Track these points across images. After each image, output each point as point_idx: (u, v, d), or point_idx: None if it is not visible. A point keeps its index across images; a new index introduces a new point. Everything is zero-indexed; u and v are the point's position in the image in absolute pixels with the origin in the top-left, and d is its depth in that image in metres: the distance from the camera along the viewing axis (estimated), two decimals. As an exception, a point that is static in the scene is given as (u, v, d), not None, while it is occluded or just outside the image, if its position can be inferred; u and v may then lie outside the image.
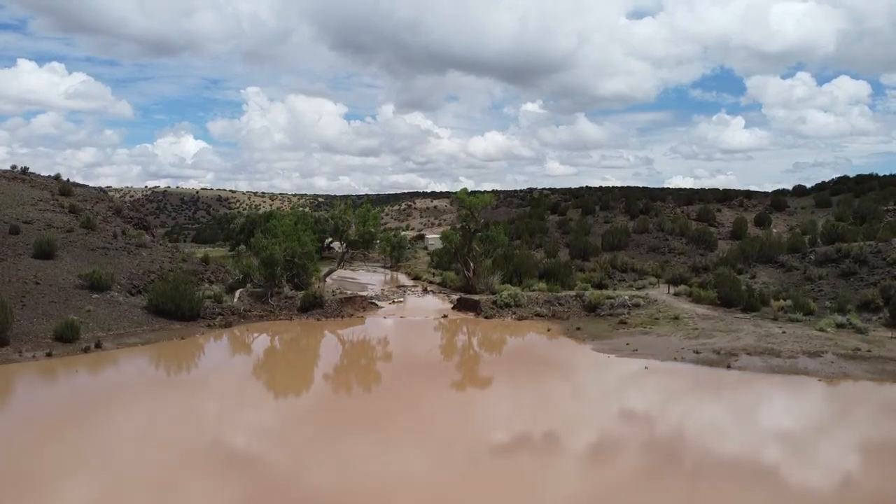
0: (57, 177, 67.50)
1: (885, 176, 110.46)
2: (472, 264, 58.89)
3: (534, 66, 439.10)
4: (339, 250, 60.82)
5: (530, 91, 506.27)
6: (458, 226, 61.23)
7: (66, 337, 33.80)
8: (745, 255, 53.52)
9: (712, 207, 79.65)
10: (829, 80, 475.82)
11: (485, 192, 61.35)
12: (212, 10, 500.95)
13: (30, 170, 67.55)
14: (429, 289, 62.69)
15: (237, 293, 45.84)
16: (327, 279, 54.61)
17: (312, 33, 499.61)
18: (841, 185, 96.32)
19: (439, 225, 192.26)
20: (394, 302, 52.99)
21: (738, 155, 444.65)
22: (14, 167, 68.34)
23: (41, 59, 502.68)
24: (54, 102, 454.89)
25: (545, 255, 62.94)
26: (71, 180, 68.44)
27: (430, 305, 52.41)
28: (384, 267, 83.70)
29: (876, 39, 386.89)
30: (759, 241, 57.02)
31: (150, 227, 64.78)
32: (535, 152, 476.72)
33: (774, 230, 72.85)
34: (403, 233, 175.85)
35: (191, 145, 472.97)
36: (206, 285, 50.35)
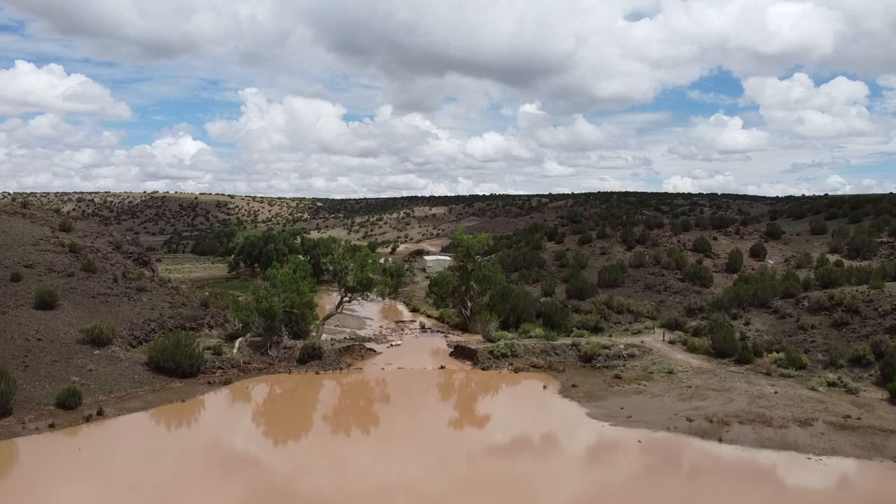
0: (57, 210, 68.06)
1: (880, 196, 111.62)
2: (469, 304, 59.48)
3: (532, 67, 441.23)
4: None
5: (528, 92, 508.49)
6: (457, 265, 61.79)
7: (68, 404, 34.26)
8: (739, 299, 54.07)
9: (708, 236, 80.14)
10: (826, 81, 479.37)
11: (483, 234, 62.33)
12: (210, 12, 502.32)
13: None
14: (427, 325, 63.17)
15: (237, 343, 46.32)
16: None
17: (310, 35, 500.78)
18: (836, 209, 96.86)
19: (438, 235, 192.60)
20: (392, 345, 53.46)
21: (736, 155, 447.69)
22: (14, 199, 69.04)
23: (39, 60, 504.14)
24: (52, 104, 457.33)
25: (542, 292, 63.42)
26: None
27: (428, 349, 52.75)
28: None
29: (873, 41, 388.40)
30: (753, 282, 57.56)
31: (151, 261, 65.19)
32: (534, 153, 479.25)
33: (770, 262, 73.45)
34: (403, 245, 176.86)
35: (189, 146, 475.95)
36: (206, 330, 50.94)
